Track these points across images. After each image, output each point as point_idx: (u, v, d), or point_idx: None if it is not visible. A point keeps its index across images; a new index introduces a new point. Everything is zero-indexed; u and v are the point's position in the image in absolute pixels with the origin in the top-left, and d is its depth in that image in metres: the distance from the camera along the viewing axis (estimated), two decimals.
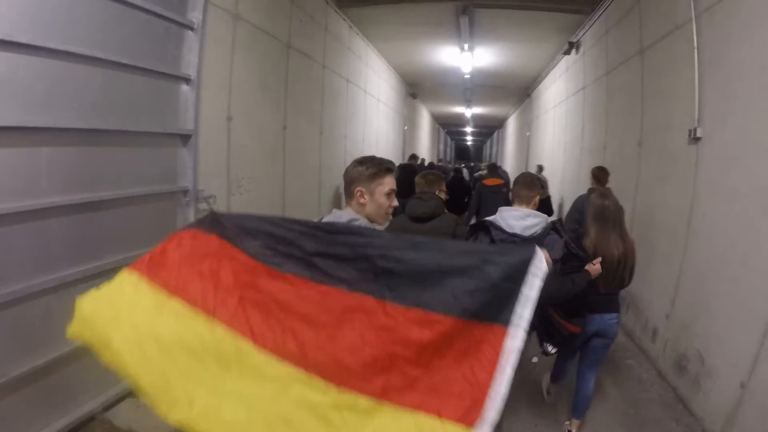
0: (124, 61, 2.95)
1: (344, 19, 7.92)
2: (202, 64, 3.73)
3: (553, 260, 2.15)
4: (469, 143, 49.55)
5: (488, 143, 42.07)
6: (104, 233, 2.96)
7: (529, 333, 1.47)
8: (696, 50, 3.78)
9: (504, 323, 1.37)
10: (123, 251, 2.92)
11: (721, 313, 3.30)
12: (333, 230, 1.63)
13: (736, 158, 3.28)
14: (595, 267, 2.61)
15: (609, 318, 2.91)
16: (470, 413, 1.29)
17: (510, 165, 20.14)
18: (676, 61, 4.25)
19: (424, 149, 21.99)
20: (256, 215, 1.77)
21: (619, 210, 2.86)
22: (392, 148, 13.18)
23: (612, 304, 2.93)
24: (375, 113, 10.73)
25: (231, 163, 4.37)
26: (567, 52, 8.27)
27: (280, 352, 1.42)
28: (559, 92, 10.17)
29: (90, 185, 2.82)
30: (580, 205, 4.54)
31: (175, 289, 1.54)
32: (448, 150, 43.42)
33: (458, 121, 29.12)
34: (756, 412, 2.78)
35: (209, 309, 1.49)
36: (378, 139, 11.15)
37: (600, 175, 4.93)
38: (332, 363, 1.39)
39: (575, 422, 3.06)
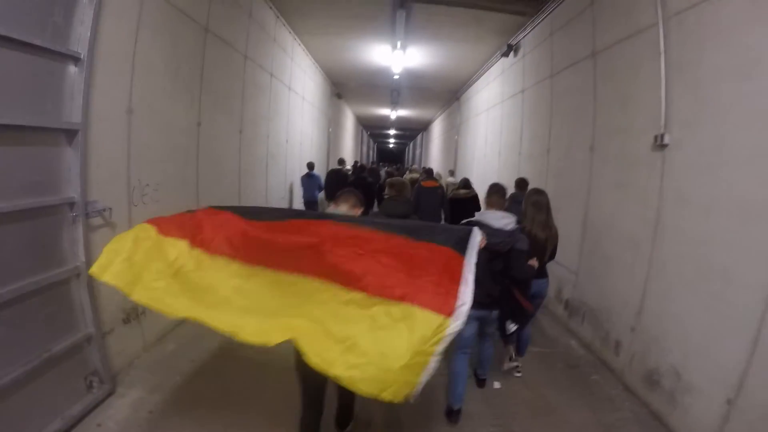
0: None
1: (271, 7, 7.25)
2: (97, 41, 3.00)
3: (521, 250, 3.21)
4: (391, 146, 50.13)
5: (411, 146, 42.81)
6: None
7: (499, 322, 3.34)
8: (663, 54, 3.75)
9: (462, 254, 2.13)
10: None
11: (698, 327, 3.22)
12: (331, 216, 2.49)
13: (710, 166, 3.23)
14: (533, 262, 3.50)
15: (542, 282, 3.99)
16: (447, 305, 1.91)
17: (436, 168, 20.36)
18: (636, 66, 4.23)
19: (348, 151, 21.62)
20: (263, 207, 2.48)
21: (548, 203, 3.99)
22: (317, 150, 12.58)
23: (542, 272, 3.98)
24: (299, 112, 10.08)
25: (132, 166, 3.60)
26: (505, 54, 8.28)
27: (301, 270, 2.12)
28: (493, 95, 10.26)
29: None
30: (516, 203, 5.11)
31: (201, 241, 2.33)
32: (371, 152, 43.54)
33: (382, 124, 29.17)
34: (747, 430, 2.72)
35: (239, 255, 2.29)
36: (302, 141, 10.51)
37: (522, 184, 6.11)
38: (341, 273, 2.06)
39: (519, 358, 4.20)
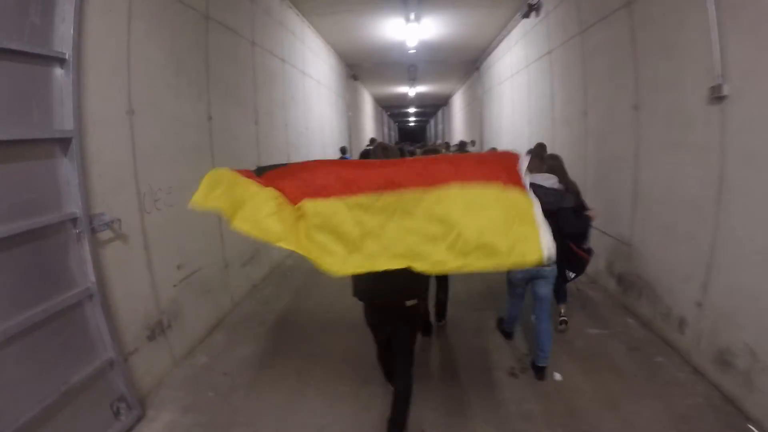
0: None
1: None
2: (83, 38, 2.73)
3: (568, 208, 3.46)
4: (412, 124, 49.35)
5: (432, 123, 41.98)
6: None
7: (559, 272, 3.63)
8: None
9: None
10: None
11: None
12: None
13: None
14: (593, 212, 3.90)
15: None
16: (517, 183, 2.14)
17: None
18: (681, 10, 3.75)
19: (369, 133, 21.22)
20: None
21: (563, 166, 4.21)
22: (338, 136, 12.27)
23: None
24: (316, 97, 9.75)
25: (140, 171, 3.35)
26: (526, 15, 7.70)
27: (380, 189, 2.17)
28: (516, 60, 9.65)
29: None
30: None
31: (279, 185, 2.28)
32: (392, 133, 42.99)
33: (401, 102, 28.59)
34: None
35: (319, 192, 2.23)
36: (323, 127, 10.20)
37: (540, 151, 5.73)
38: (427, 177, 2.18)
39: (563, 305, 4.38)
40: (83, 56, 2.73)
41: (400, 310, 2.61)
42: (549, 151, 5.49)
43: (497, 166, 2.22)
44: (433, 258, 2.00)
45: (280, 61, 7.09)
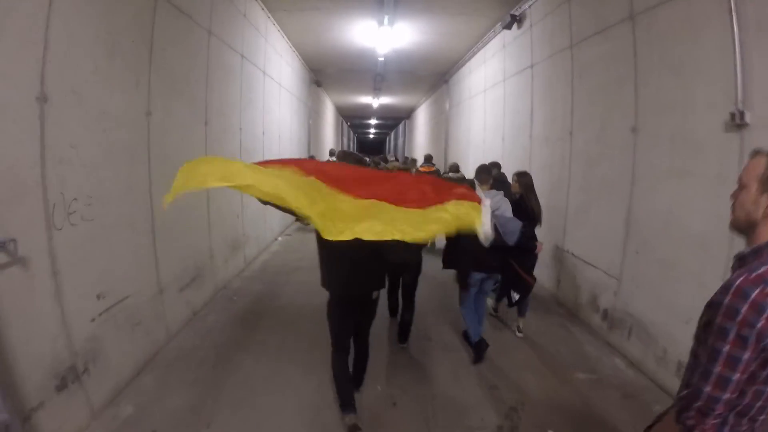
0: None
1: None
2: None
3: (502, 215, 4.07)
4: (372, 136, 49.12)
5: (392, 135, 41.86)
6: None
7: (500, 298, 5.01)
8: (734, 12, 3.09)
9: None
10: None
11: None
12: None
13: None
14: (540, 247, 4.48)
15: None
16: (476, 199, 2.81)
17: (422, 158, 19.58)
18: (696, 27, 3.52)
19: (329, 143, 20.63)
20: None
21: (532, 182, 4.82)
22: (297, 144, 11.60)
23: (533, 237, 4.54)
24: (276, 101, 9.10)
25: (49, 176, 2.64)
26: (507, 27, 7.42)
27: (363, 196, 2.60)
28: (491, 74, 9.41)
29: None
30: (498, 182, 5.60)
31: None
32: (352, 144, 42.55)
33: (363, 113, 28.22)
34: None
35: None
36: (281, 133, 9.53)
37: (496, 166, 6.65)
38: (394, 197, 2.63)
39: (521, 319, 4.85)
40: None
41: (367, 300, 3.18)
42: (527, 170, 5.28)
43: (461, 191, 2.82)
44: (397, 228, 2.40)
45: (240, 57, 6.43)
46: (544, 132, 6.52)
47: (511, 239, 3.92)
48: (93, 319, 3.09)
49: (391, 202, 2.58)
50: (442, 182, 3.16)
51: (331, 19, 8.65)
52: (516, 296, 4.48)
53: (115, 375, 3.33)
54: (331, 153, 14.16)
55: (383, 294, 3.84)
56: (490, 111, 9.58)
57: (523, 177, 4.80)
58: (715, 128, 3.30)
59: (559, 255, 5.87)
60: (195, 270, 4.87)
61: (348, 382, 3.23)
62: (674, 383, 3.53)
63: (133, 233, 3.61)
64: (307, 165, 2.71)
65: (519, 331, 4.80)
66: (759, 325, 1.21)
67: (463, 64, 11.92)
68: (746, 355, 1.24)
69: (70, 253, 2.81)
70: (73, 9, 2.82)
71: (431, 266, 5.27)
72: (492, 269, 4.18)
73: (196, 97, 4.90)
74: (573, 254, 5.55)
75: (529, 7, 6.87)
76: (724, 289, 1.28)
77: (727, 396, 1.27)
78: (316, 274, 3.24)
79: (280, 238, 9.37)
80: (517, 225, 4.01)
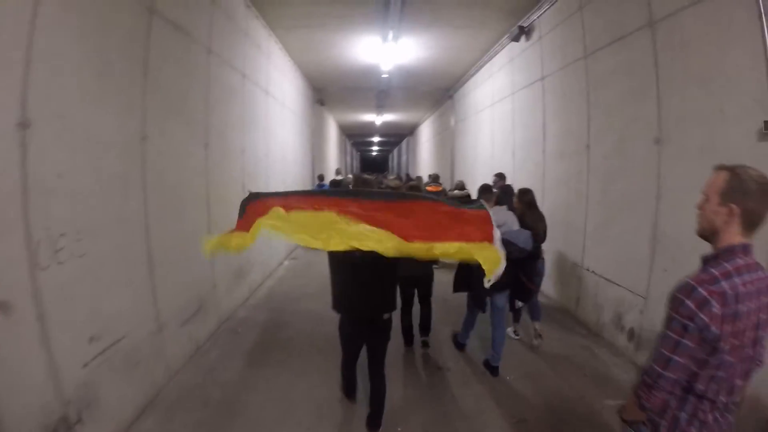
0: None
1: None
2: None
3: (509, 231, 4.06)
4: (374, 154, 49.18)
5: (395, 152, 41.80)
6: None
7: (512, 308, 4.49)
8: (763, 16, 2.98)
9: (485, 210, 2.87)
10: None
11: None
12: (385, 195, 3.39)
13: None
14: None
15: (539, 262, 4.78)
16: (487, 239, 2.66)
17: (428, 175, 19.39)
18: (722, 31, 3.34)
19: (333, 162, 20.51)
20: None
21: (534, 198, 4.79)
22: (300, 165, 11.42)
23: (539, 254, 4.74)
24: (280, 121, 8.94)
25: (33, 209, 2.42)
26: (515, 39, 7.26)
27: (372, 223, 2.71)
28: (499, 88, 9.24)
29: None
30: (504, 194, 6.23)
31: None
32: (354, 162, 42.55)
33: (366, 131, 28.18)
34: None
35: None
36: (285, 154, 9.35)
37: (503, 177, 7.43)
38: (404, 229, 2.69)
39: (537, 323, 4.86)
40: None
41: (378, 322, 3.15)
42: (539, 186, 5.59)
43: (471, 227, 2.74)
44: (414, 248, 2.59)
45: (241, 76, 6.28)
46: (559, 146, 6.30)
47: (528, 245, 3.96)
48: (86, 364, 2.83)
49: (399, 236, 2.65)
50: (455, 217, 2.90)
51: (335, 36, 8.55)
52: (519, 303, 4.58)
53: (112, 421, 3.07)
54: (337, 172, 14.84)
55: (396, 318, 3.57)
56: (499, 126, 9.39)
57: (524, 195, 4.75)
58: (748, 138, 3.12)
59: (578, 273, 5.60)
60: (197, 302, 4.62)
61: (353, 376, 3.56)
62: None
63: (128, 268, 3.37)
64: (353, 207, 2.83)
65: (537, 337, 4.78)
66: (699, 317, 1.42)
67: (468, 79, 11.78)
68: (689, 343, 1.44)
69: (57, 294, 2.57)
70: (58, 25, 2.64)
71: (441, 287, 5.05)
72: (504, 286, 4.13)
73: (195, 118, 4.71)
74: (594, 272, 5.28)
75: (538, 18, 6.71)
76: (681, 284, 1.49)
77: (670, 375, 1.48)
78: (324, 300, 3.11)
79: (286, 262, 9.11)
80: (526, 233, 4.02)
